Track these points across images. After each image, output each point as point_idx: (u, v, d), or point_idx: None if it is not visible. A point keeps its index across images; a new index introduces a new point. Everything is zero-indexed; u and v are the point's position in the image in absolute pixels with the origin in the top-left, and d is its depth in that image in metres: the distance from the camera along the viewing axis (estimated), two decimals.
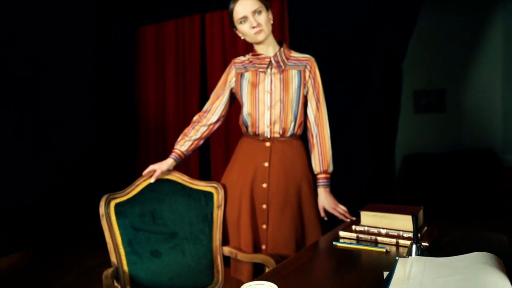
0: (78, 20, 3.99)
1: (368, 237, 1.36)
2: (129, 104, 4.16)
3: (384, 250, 1.25)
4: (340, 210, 1.66)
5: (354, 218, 1.64)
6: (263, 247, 1.69)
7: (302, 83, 1.70)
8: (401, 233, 1.31)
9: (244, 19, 1.63)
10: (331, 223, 1.76)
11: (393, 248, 1.28)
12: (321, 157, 1.71)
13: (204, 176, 3.75)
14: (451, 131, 5.27)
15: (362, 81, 3.15)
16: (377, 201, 3.17)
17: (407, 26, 3.04)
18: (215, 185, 1.76)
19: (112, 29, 4.19)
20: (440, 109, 5.27)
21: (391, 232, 1.32)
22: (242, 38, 1.72)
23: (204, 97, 3.81)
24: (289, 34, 3.34)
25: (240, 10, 1.63)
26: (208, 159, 3.74)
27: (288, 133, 1.71)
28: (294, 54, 1.75)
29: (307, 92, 1.74)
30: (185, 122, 3.88)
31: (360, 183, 3.13)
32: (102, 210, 1.51)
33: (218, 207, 1.75)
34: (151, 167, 1.68)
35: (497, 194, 4.39)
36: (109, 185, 4.14)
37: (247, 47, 3.65)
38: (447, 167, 4.82)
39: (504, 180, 4.45)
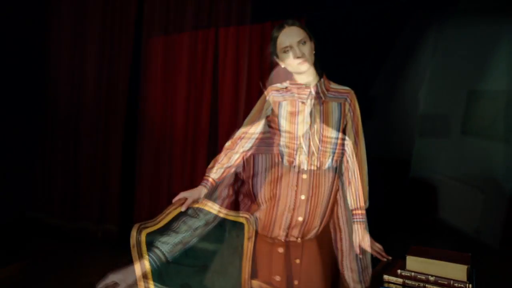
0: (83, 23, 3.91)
1: (416, 283, 1.32)
2: (133, 115, 4.03)
3: None
4: (376, 248, 1.62)
5: (390, 258, 1.60)
6: (296, 282, 1.63)
7: (342, 116, 1.67)
8: (451, 282, 1.27)
9: (288, 48, 1.60)
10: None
11: None
12: (358, 193, 1.67)
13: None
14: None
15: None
16: (388, 225, 3.16)
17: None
18: (246, 215, 1.70)
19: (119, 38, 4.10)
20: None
21: (441, 281, 1.29)
22: (283, 66, 1.69)
23: (214, 115, 3.72)
24: None
25: (285, 39, 1.59)
26: None
27: (326, 166, 1.67)
28: (334, 86, 1.72)
29: (345, 126, 1.71)
30: (195, 138, 3.78)
31: (373, 209, 3.10)
32: (133, 240, 1.44)
33: (249, 238, 1.69)
34: (181, 195, 1.61)
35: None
36: (112, 197, 4.05)
37: (261, 67, 3.60)
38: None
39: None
